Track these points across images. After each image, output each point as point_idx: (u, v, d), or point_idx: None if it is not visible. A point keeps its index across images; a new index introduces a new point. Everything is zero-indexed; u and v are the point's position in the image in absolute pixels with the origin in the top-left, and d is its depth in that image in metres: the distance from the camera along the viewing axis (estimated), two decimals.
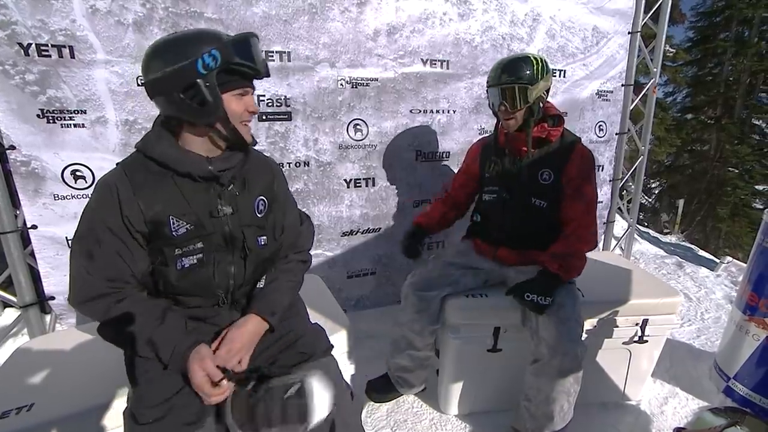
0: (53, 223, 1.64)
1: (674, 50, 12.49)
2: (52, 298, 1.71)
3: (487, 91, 1.50)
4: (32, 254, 1.66)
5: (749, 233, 12.52)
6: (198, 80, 0.79)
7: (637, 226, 4.37)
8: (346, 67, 1.92)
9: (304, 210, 1.96)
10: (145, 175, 0.86)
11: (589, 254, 1.40)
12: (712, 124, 13.01)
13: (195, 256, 0.88)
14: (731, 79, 12.76)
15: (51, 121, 1.56)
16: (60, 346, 1.25)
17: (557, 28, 2.36)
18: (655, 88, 2.85)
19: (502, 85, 1.39)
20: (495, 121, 1.55)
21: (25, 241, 1.66)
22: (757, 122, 12.89)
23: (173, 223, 0.86)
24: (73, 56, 1.53)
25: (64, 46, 1.51)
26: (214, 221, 0.90)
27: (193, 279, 0.90)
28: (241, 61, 0.81)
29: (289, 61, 1.82)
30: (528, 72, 1.37)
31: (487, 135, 1.86)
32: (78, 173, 1.65)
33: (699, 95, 13.31)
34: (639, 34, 2.64)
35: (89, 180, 1.65)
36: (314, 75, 1.88)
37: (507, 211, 1.48)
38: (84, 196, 1.65)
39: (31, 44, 1.46)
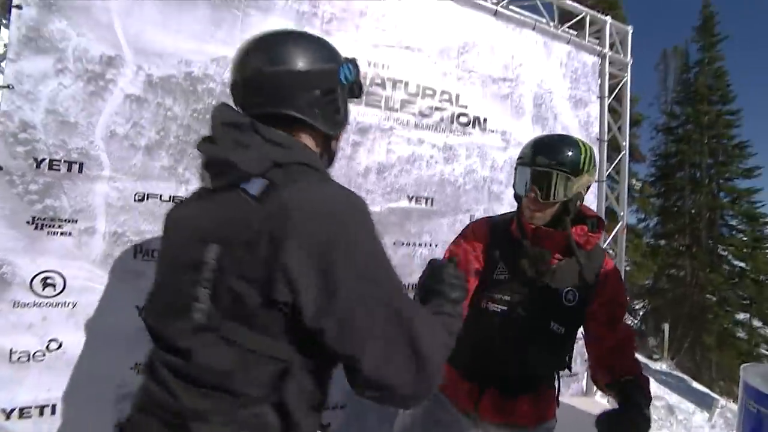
0: (3, 332, 1.53)
1: (640, 184, 13.89)
2: None
3: (515, 168, 1.23)
4: None
5: (738, 366, 12.19)
6: (338, 87, 0.79)
7: None
8: None
9: None
10: None
11: (571, 402, 1.32)
12: (684, 251, 13.76)
13: None
14: (693, 211, 13.98)
15: (39, 227, 1.56)
16: None
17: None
18: (623, 231, 3.07)
19: (537, 167, 1.14)
20: None
21: None
22: (723, 253, 13.70)
23: None
24: (81, 171, 1.61)
25: (76, 162, 1.60)
26: None
27: None
28: (360, 83, 0.86)
29: None
30: (573, 158, 1.12)
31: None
32: (49, 280, 1.59)
33: (668, 224, 14.36)
34: (605, 182, 2.96)
35: (59, 288, 1.59)
36: None
37: (517, 332, 1.14)
38: (49, 304, 1.57)
39: (45, 159, 1.55)
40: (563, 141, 1.19)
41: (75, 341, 1.58)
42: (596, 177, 1.28)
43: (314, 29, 2.02)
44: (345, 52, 2.17)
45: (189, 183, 1.77)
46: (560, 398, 1.37)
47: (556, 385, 1.33)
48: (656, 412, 3.23)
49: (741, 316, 13.29)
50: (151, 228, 1.71)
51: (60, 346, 1.56)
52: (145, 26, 1.70)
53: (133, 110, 1.68)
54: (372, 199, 2.14)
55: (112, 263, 1.66)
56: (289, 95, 0.75)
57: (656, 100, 16.49)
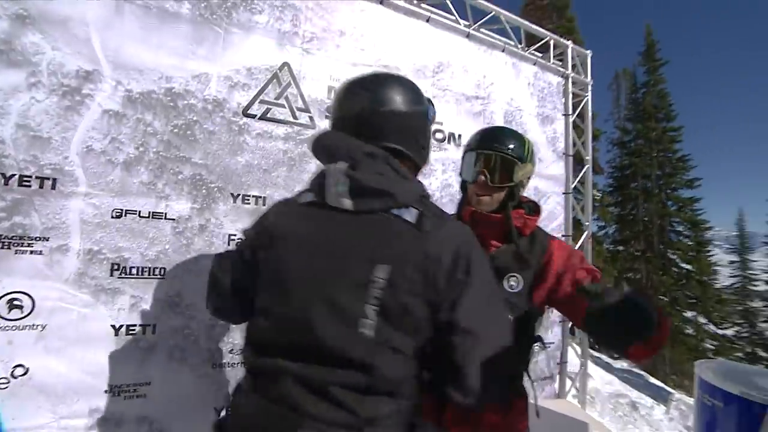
0: None
1: (600, 194, 14.77)
2: None
3: (462, 157, 1.25)
4: None
5: (689, 360, 13.20)
6: (427, 124, 0.92)
7: (590, 350, 4.45)
8: None
9: None
10: None
11: (544, 403, 1.27)
12: (640, 256, 14.70)
13: None
14: (645, 219, 15.01)
15: (6, 246, 1.48)
16: None
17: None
18: (590, 240, 3.28)
19: (486, 150, 1.17)
20: None
21: None
22: (672, 257, 14.77)
23: None
24: (54, 188, 1.55)
25: (48, 179, 1.54)
26: None
27: None
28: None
29: (263, 205, 1.94)
30: (519, 146, 1.18)
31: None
32: (16, 302, 1.50)
33: (625, 231, 15.32)
34: (571, 194, 3.17)
35: (26, 310, 1.51)
36: None
37: None
38: (15, 327, 1.48)
39: (14, 175, 1.48)
40: (508, 130, 1.26)
41: (43, 366, 1.50)
42: (536, 170, 1.28)
43: (295, 48, 2.07)
44: (325, 70, 2.22)
45: (169, 199, 1.75)
46: (532, 401, 1.25)
47: (529, 392, 1.23)
48: (621, 408, 3.44)
49: (689, 314, 14.34)
50: (129, 245, 1.67)
51: (26, 372, 1.48)
52: (124, 41, 1.68)
53: (111, 125, 1.65)
54: None
55: (87, 282, 1.59)
56: (396, 131, 0.87)
57: (611, 116, 17.74)
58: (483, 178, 1.16)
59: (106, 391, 1.60)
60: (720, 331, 15.06)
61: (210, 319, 1.81)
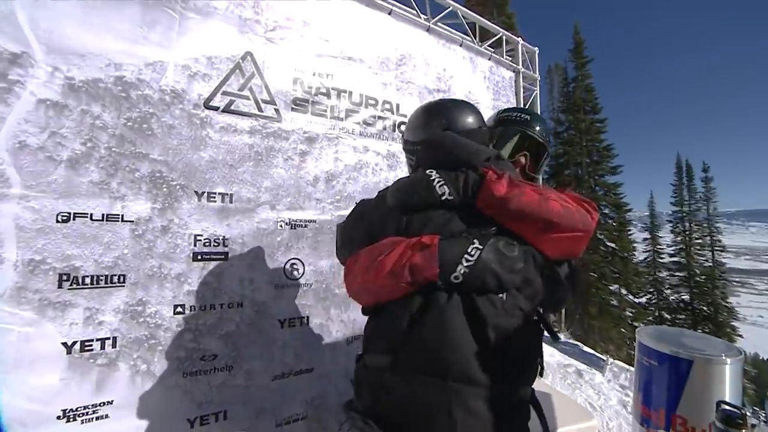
0: None
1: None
2: None
3: (506, 128, 1.30)
4: None
5: (613, 328, 14.94)
6: None
7: None
8: (286, 210, 2.01)
9: (233, 354, 1.83)
10: None
11: None
12: None
13: None
14: None
15: None
16: None
17: None
18: None
19: (542, 140, 1.21)
20: None
21: None
22: (600, 237, 16.43)
23: None
24: None
25: None
26: None
27: None
28: None
29: (231, 202, 1.85)
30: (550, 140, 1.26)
31: None
32: None
33: None
34: None
35: None
36: (254, 216, 1.92)
37: None
38: None
39: None
40: (545, 120, 1.32)
41: None
42: None
43: (257, 36, 1.96)
44: (290, 61, 2.15)
45: (125, 199, 1.59)
46: None
47: None
48: (569, 377, 3.81)
49: (613, 287, 16.15)
50: (80, 252, 1.49)
51: None
52: (59, 21, 1.48)
53: (49, 118, 1.45)
54: (322, 208, 2.15)
55: (29, 297, 1.40)
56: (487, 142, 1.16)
57: (546, 108, 19.17)
58: (524, 161, 1.21)
59: (59, 417, 1.43)
60: (636, 300, 17.15)
61: (178, 325, 1.70)
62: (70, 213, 1.48)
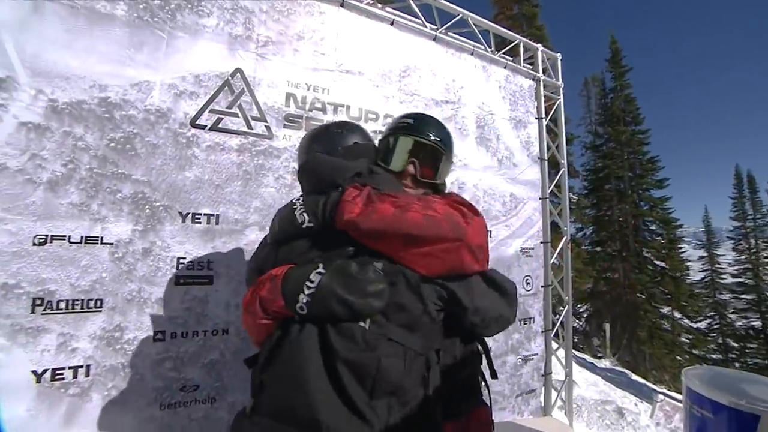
0: None
1: (576, 197, 15.10)
2: None
3: (388, 138, 1.10)
4: None
5: (667, 355, 13.51)
6: None
7: (573, 351, 4.38)
8: None
9: (217, 385, 1.71)
10: None
11: (530, 424, 1.18)
12: (616, 255, 15.04)
13: None
14: (620, 219, 15.43)
15: None
16: None
17: (480, 195, 2.69)
18: (569, 244, 3.22)
19: (428, 140, 1.06)
20: None
21: None
22: (647, 255, 15.19)
23: None
24: None
25: None
26: None
27: None
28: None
29: (217, 223, 1.77)
30: (452, 145, 1.11)
31: None
32: None
33: (602, 231, 15.67)
34: (548, 199, 3.11)
35: None
36: (242, 238, 1.83)
37: None
38: None
39: None
40: (441, 122, 1.15)
41: None
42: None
43: (248, 52, 1.92)
44: (283, 76, 2.07)
45: (105, 221, 1.55)
46: (517, 419, 1.23)
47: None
48: (608, 416, 3.36)
49: (665, 309, 14.72)
50: (56, 275, 1.45)
51: None
52: (45, 45, 1.49)
53: (30, 140, 1.44)
54: None
55: (0, 322, 1.36)
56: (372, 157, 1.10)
57: (582, 121, 18.29)
58: (413, 169, 1.03)
59: None
60: (694, 325, 15.50)
61: (158, 354, 1.61)
62: (47, 235, 1.45)
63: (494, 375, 1.02)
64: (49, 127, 1.48)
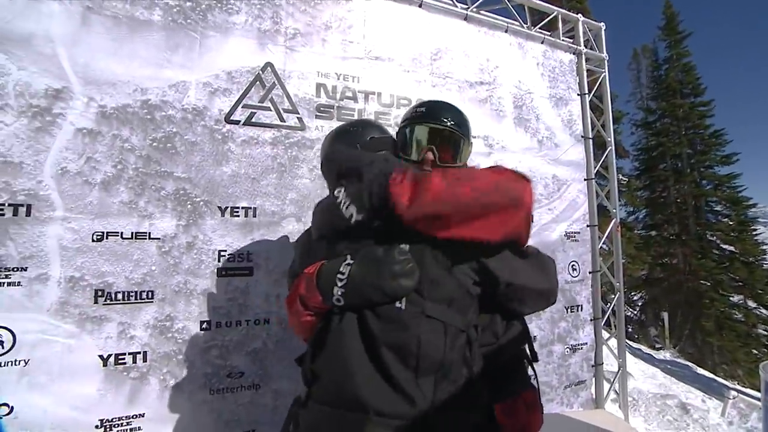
0: None
1: (626, 179, 14.06)
2: None
3: (404, 130, 1.11)
4: None
5: (740, 348, 12.27)
6: None
7: (627, 341, 4.09)
8: None
9: (260, 373, 1.78)
10: None
11: (580, 416, 1.12)
12: (674, 240, 13.87)
13: None
14: (678, 200, 14.17)
15: None
16: None
17: None
18: (618, 228, 3.00)
19: (443, 126, 1.07)
20: None
21: None
22: (711, 238, 13.84)
23: None
24: (29, 214, 1.47)
25: (22, 205, 1.46)
26: None
27: None
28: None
29: (254, 216, 1.82)
30: (469, 126, 1.13)
31: None
32: None
33: (656, 214, 14.50)
34: (593, 180, 2.90)
35: (7, 345, 1.42)
36: (280, 230, 1.87)
37: None
38: None
39: None
40: (454, 105, 1.16)
41: (28, 403, 1.41)
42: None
43: (277, 46, 1.94)
44: (312, 67, 2.07)
45: (152, 217, 1.65)
46: (566, 411, 1.22)
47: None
48: (669, 411, 3.11)
49: (736, 298, 13.36)
50: (113, 269, 1.57)
51: (11, 410, 1.39)
52: (94, 55, 1.59)
53: (86, 144, 1.56)
54: None
55: (70, 311, 1.50)
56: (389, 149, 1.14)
57: (632, 97, 16.85)
58: (432, 156, 1.04)
59: (97, 427, 1.50)
60: None
61: (205, 342, 1.70)
62: (103, 232, 1.57)
63: (535, 357, 1.00)
64: (100, 132, 1.59)
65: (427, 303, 0.80)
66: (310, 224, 1.85)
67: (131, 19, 1.67)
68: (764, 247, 14.05)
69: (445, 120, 1.07)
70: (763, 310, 13.49)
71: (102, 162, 1.58)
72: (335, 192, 0.92)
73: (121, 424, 1.54)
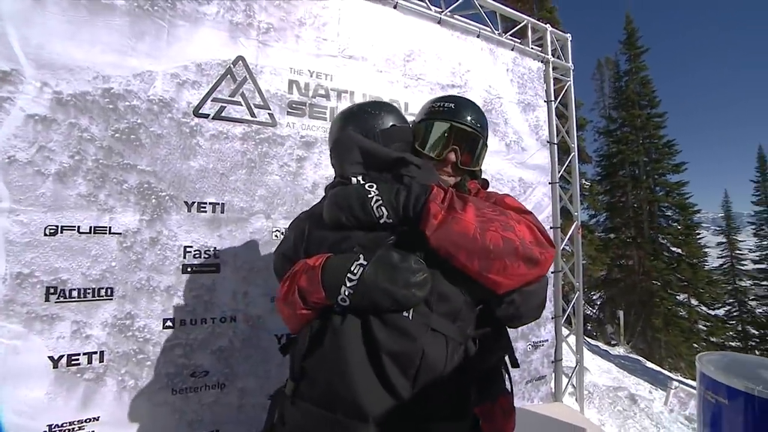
0: None
1: (589, 183, 14.78)
2: None
3: (426, 123, 1.07)
4: None
5: (683, 342, 13.27)
6: None
7: (586, 338, 4.32)
8: (282, 219, 1.91)
9: (226, 371, 1.74)
10: None
11: (539, 410, 1.20)
12: (631, 242, 14.76)
13: None
14: (635, 205, 15.09)
15: None
16: None
17: (488, 179, 2.64)
18: (579, 230, 3.17)
19: (470, 127, 1.04)
20: None
21: None
22: (663, 241, 14.87)
23: None
24: None
25: None
26: None
27: None
28: None
29: (222, 212, 1.78)
30: (488, 126, 1.09)
31: None
32: None
33: (615, 218, 15.37)
34: (558, 184, 3.04)
35: None
36: (248, 226, 1.83)
37: None
38: None
39: None
40: (477, 104, 1.12)
41: None
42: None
43: (250, 40, 1.90)
44: (285, 63, 2.05)
45: (113, 211, 1.57)
46: (527, 405, 1.27)
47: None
48: (620, 402, 3.33)
49: (681, 297, 14.43)
50: (68, 265, 1.48)
51: None
52: (49, 38, 1.50)
53: (38, 132, 1.46)
54: None
55: (16, 310, 1.41)
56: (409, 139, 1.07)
57: (596, 105, 17.80)
58: (453, 157, 1.02)
59: None
60: (712, 312, 15.16)
61: (168, 341, 1.64)
62: (57, 226, 1.48)
63: (515, 364, 1.02)
64: (56, 119, 1.50)
65: (433, 316, 0.79)
66: (282, 220, 1.82)
67: (91, 1, 1.58)
68: (706, 249, 15.29)
69: (472, 120, 1.04)
70: (704, 308, 14.67)
71: (57, 152, 1.49)
72: (361, 180, 0.88)
73: (73, 428, 1.47)
